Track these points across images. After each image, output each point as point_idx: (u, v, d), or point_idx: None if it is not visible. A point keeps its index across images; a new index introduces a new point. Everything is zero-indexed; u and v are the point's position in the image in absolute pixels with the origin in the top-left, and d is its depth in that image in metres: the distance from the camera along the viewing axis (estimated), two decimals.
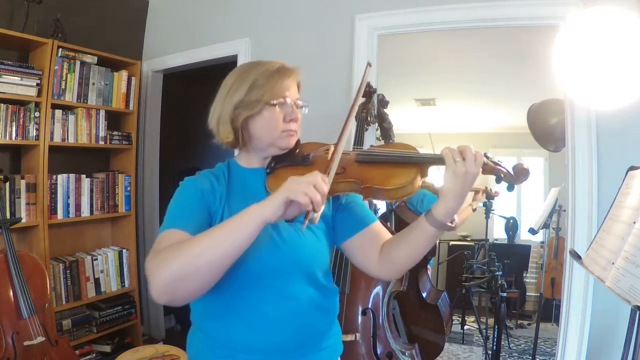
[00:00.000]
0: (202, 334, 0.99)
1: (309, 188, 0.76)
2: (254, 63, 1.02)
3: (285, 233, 0.97)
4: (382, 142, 2.31)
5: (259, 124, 0.99)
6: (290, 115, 0.99)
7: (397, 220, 2.32)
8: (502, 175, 0.88)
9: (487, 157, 0.88)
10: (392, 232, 1.05)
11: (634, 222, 1.10)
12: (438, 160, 0.88)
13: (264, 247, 0.93)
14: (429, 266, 2.81)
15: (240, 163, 1.07)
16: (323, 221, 1.04)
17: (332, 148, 1.00)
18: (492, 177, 0.90)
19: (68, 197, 2.56)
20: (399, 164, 0.93)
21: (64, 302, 2.50)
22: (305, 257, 0.98)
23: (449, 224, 0.89)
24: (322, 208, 0.78)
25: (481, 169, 0.86)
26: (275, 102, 0.97)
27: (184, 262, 0.77)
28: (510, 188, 0.89)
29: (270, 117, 0.98)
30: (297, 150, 1.05)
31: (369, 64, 1.01)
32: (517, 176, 0.87)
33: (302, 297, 0.97)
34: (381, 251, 1.01)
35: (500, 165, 0.89)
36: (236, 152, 1.11)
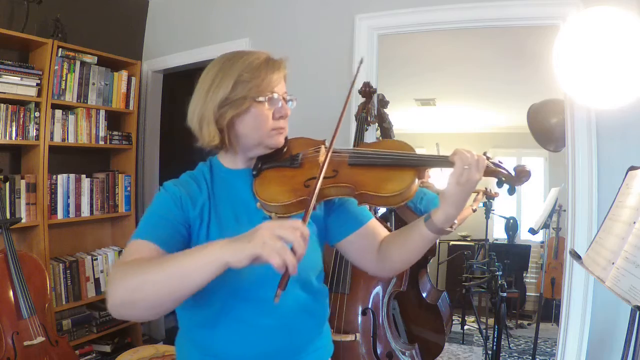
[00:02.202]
0: (189, 344, 0.96)
1: (285, 251, 0.65)
2: (237, 54, 0.94)
3: None
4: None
5: (247, 123, 0.91)
6: (280, 111, 0.93)
7: (397, 220, 2.32)
8: (503, 178, 0.84)
9: (488, 159, 0.84)
10: (390, 232, 1.03)
11: (634, 222, 1.10)
12: (445, 163, 0.83)
13: None
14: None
15: (224, 163, 1.00)
16: (314, 222, 1.00)
17: (322, 148, 0.96)
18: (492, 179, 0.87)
19: (68, 197, 2.56)
20: (394, 166, 0.87)
21: (64, 302, 2.50)
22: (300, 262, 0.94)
23: (448, 229, 0.86)
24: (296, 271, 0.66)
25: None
26: (263, 98, 0.90)
27: (135, 289, 0.72)
28: (510, 191, 0.85)
29: (259, 114, 0.91)
30: (285, 149, 0.99)
31: (361, 61, 0.96)
32: (518, 178, 0.83)
33: (292, 304, 0.92)
34: (379, 250, 0.97)
35: (501, 167, 0.85)
36: None
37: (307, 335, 0.97)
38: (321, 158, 0.93)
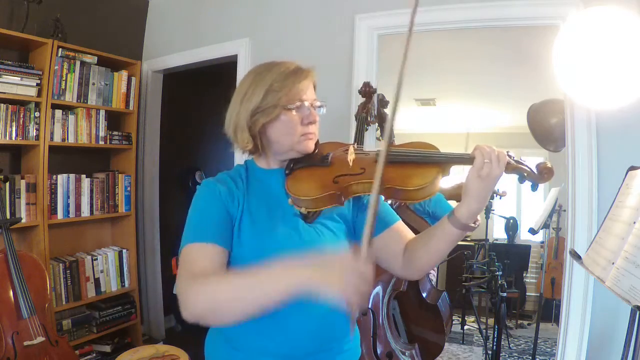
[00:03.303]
0: (220, 338, 1.00)
1: (358, 302, 0.74)
2: (269, 65, 1.01)
3: (306, 234, 0.97)
4: (382, 142, 2.30)
5: (278, 129, 0.98)
6: (308, 118, 0.98)
7: None
8: (525, 175, 0.87)
9: (510, 156, 0.87)
10: None
11: (634, 222, 1.10)
12: (467, 160, 0.87)
13: (284, 250, 0.91)
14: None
15: (259, 164, 1.06)
16: (342, 221, 1.04)
17: (351, 147, 1.01)
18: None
19: (68, 197, 2.56)
20: (420, 163, 0.92)
21: (64, 302, 2.50)
22: None
23: (472, 225, 0.88)
24: None
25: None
26: (292, 106, 0.96)
27: (218, 308, 0.81)
28: (534, 187, 0.87)
29: (288, 121, 0.97)
30: (316, 151, 1.04)
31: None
32: (540, 175, 0.86)
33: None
34: (405, 252, 0.99)
35: (523, 164, 0.87)
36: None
37: (336, 333, 0.98)
38: (350, 157, 0.99)
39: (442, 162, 0.91)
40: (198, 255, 0.89)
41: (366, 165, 0.96)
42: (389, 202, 2.39)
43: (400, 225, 1.04)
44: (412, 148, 0.96)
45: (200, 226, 0.93)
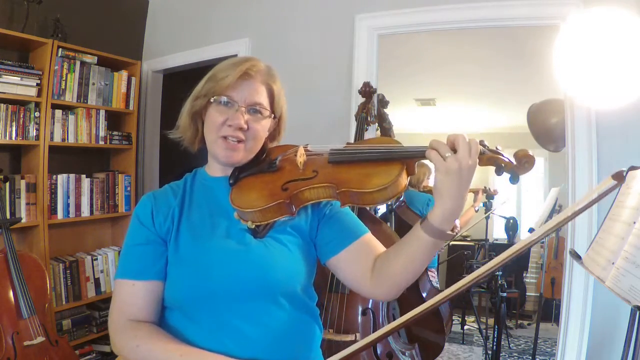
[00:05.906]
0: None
1: None
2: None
3: (254, 249, 0.86)
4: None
5: (205, 124, 0.92)
6: (232, 119, 0.86)
7: (398, 221, 2.32)
8: (503, 165, 0.73)
9: (484, 145, 0.74)
10: (390, 236, 1.00)
11: (634, 222, 1.10)
12: (424, 155, 0.75)
13: (226, 266, 0.84)
14: (433, 268, 2.80)
15: (207, 171, 0.99)
16: (298, 234, 0.91)
17: (300, 148, 0.89)
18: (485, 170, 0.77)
19: (68, 197, 2.56)
20: (379, 161, 0.79)
21: (64, 302, 2.50)
22: (279, 274, 0.85)
23: (449, 232, 0.74)
24: None
25: (478, 160, 0.72)
26: (213, 99, 0.87)
27: None
28: (513, 180, 0.74)
29: (210, 116, 0.89)
30: (264, 155, 0.94)
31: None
32: (520, 165, 0.73)
33: (277, 319, 0.85)
34: (374, 266, 0.86)
35: (500, 154, 0.74)
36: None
37: (290, 355, 0.86)
38: (299, 159, 0.86)
39: (403, 157, 0.78)
40: (126, 292, 0.86)
41: (319, 167, 0.84)
42: (387, 204, 2.38)
43: (368, 237, 0.91)
44: (369, 145, 0.84)
45: (126, 261, 0.89)
